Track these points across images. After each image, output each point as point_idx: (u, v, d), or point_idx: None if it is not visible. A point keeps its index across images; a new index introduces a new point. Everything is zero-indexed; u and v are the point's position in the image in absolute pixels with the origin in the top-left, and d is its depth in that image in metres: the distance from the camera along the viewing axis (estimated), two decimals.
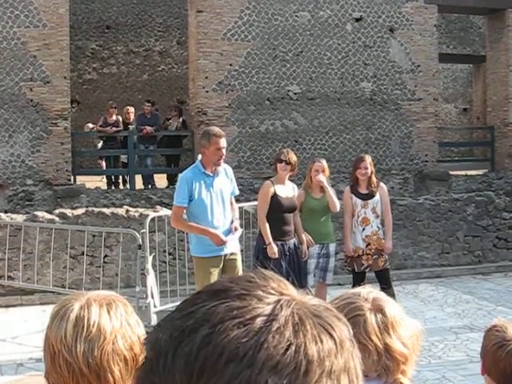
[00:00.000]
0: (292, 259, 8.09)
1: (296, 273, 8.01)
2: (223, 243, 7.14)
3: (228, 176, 7.47)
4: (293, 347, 0.81)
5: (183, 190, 7.20)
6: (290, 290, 0.89)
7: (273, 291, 0.87)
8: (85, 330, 1.62)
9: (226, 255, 7.39)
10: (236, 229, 7.37)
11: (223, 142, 7.14)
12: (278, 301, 0.85)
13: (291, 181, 8.54)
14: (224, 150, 7.16)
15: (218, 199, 7.29)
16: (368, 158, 8.77)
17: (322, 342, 0.83)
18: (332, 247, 8.66)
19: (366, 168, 8.60)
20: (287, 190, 8.20)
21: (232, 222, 7.40)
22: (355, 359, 0.87)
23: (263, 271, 0.91)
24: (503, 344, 2.41)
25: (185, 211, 7.35)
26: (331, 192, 8.52)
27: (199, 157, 7.43)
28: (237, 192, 7.66)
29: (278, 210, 7.99)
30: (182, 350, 0.81)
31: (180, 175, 7.62)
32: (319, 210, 8.54)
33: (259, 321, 0.82)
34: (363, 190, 8.67)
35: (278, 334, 0.81)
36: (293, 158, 8.23)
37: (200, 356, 0.80)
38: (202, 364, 0.79)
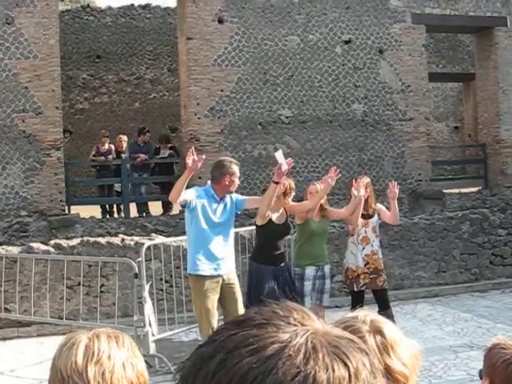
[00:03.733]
0: (286, 283, 8.13)
1: (291, 296, 8.04)
2: (197, 162, 7.13)
3: (233, 203, 7.66)
4: (302, 374, 0.82)
5: (192, 191, 7.46)
6: (313, 321, 0.92)
7: (293, 321, 0.89)
8: (95, 355, 1.63)
9: (223, 280, 7.53)
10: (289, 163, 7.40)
11: (237, 173, 7.56)
12: (296, 330, 0.88)
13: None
14: (237, 180, 7.55)
15: (219, 223, 7.49)
16: (365, 179, 8.76)
17: (333, 370, 0.84)
18: (327, 269, 8.65)
19: (366, 188, 8.62)
20: (282, 216, 8.25)
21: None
22: None
23: (289, 303, 0.94)
24: None
25: (188, 217, 7.52)
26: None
27: (209, 182, 7.68)
28: (246, 197, 7.97)
29: (271, 236, 8.03)
30: (200, 374, 0.86)
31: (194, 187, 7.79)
32: (318, 233, 8.55)
33: (272, 348, 0.84)
34: (362, 211, 8.69)
35: (289, 360, 0.83)
36: (292, 184, 8.33)
37: (214, 380, 0.84)
38: None
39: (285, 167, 7.32)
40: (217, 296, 7.56)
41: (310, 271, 8.46)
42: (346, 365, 0.85)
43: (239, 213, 8.09)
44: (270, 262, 8.01)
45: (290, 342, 0.85)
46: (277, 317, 0.90)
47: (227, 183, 7.43)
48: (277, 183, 7.39)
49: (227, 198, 7.60)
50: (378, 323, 1.85)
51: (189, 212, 7.48)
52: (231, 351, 0.85)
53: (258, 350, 0.84)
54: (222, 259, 7.52)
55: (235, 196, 7.74)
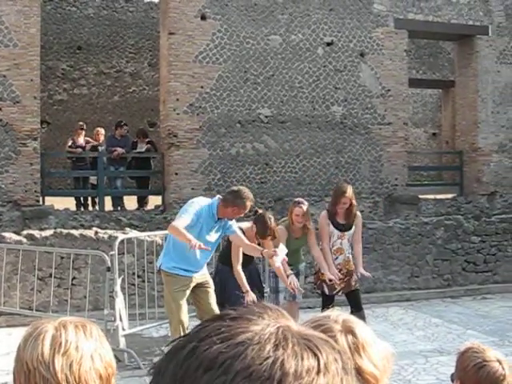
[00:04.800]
0: (254, 284, 8.27)
1: (259, 296, 8.21)
2: (199, 247, 7.06)
3: (225, 224, 7.61)
4: (270, 359, 0.83)
5: (191, 213, 7.28)
6: (288, 320, 0.93)
7: (267, 317, 0.91)
8: (62, 346, 1.59)
9: (197, 280, 7.68)
10: (275, 251, 7.53)
11: (248, 209, 7.52)
12: (268, 323, 0.89)
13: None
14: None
15: (212, 239, 7.52)
16: (349, 191, 8.66)
17: (302, 358, 0.85)
18: (301, 266, 8.88)
19: (346, 203, 8.58)
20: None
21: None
22: None
23: (266, 303, 0.97)
24: (484, 364, 2.43)
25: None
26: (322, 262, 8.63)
27: (217, 197, 7.57)
28: (237, 230, 7.77)
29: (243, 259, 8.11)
30: (171, 364, 0.88)
31: (196, 200, 7.61)
32: (296, 249, 8.71)
33: (243, 336, 0.86)
34: (341, 220, 8.66)
35: (258, 347, 0.84)
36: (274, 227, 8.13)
37: (183, 367, 0.85)
38: (183, 373, 0.85)
39: (278, 263, 7.48)
40: (188, 292, 7.59)
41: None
42: (315, 355, 0.86)
43: None
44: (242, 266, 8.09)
45: (262, 332, 0.87)
46: (251, 312, 0.92)
47: (232, 213, 7.39)
48: (262, 255, 7.63)
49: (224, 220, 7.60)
50: (350, 323, 1.83)
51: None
52: (202, 339, 0.87)
53: (228, 337, 0.86)
54: (198, 269, 7.66)
55: (233, 222, 7.74)
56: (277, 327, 0.88)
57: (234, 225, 7.75)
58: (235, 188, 7.80)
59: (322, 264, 8.51)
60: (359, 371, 1.79)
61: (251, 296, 7.87)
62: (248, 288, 7.94)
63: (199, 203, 7.48)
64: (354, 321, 1.86)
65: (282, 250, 7.56)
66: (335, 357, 0.89)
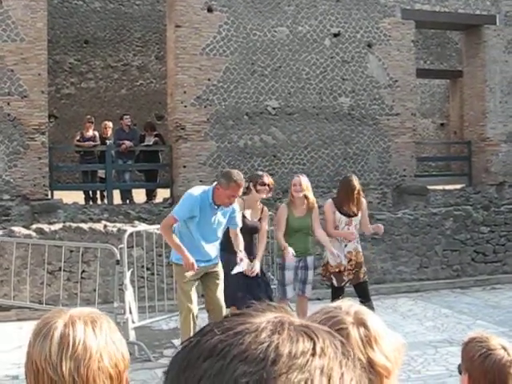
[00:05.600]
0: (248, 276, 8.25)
1: (259, 283, 8.28)
2: (192, 268, 7.30)
3: (230, 212, 7.59)
4: (266, 344, 0.87)
5: (185, 206, 7.37)
6: (291, 315, 0.95)
7: (269, 313, 0.94)
8: (70, 347, 1.58)
9: (206, 269, 7.67)
10: (241, 259, 7.56)
11: (237, 192, 7.32)
12: (269, 317, 0.92)
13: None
14: (233, 199, 7.37)
15: (212, 230, 7.52)
16: (357, 184, 8.73)
17: (297, 342, 0.87)
18: (310, 260, 8.69)
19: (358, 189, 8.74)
20: (255, 213, 8.40)
21: (239, 251, 7.65)
22: (344, 369, 0.89)
23: (273, 303, 1.00)
24: (489, 354, 2.42)
25: (179, 222, 7.53)
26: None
27: (214, 184, 7.53)
28: (239, 225, 7.79)
29: (242, 231, 8.10)
30: (178, 358, 0.92)
31: (190, 192, 7.61)
32: (299, 229, 8.57)
33: (242, 327, 0.90)
34: (347, 209, 8.69)
35: (255, 334, 0.88)
36: (271, 181, 8.47)
37: (187, 358, 0.90)
38: (186, 364, 0.89)
39: (234, 271, 7.57)
40: (196, 283, 7.63)
41: (289, 262, 8.47)
42: (311, 339, 0.89)
43: None
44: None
45: (261, 322, 0.90)
46: (254, 309, 0.96)
47: (226, 196, 7.27)
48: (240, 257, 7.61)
49: (225, 208, 7.54)
50: (362, 315, 1.82)
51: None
52: (206, 333, 0.91)
53: (229, 329, 0.90)
54: (207, 259, 7.61)
55: (235, 208, 7.66)
56: (275, 317, 0.92)
57: (238, 220, 7.76)
58: (225, 171, 7.87)
59: (326, 243, 8.51)
60: (371, 364, 1.78)
61: (245, 262, 7.85)
62: (242, 256, 7.91)
63: (193, 194, 7.48)
64: (366, 312, 1.84)
65: (245, 263, 7.61)
66: (334, 343, 0.90)
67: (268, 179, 8.37)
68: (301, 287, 8.62)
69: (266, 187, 8.29)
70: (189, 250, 7.35)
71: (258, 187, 8.27)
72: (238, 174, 7.36)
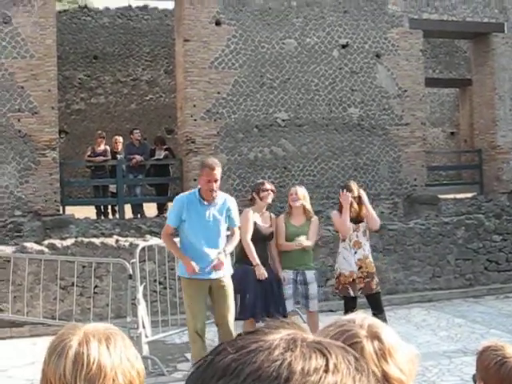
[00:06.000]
0: (270, 284, 8.21)
1: (275, 297, 8.27)
2: (195, 272, 7.27)
3: (226, 208, 7.53)
4: (279, 361, 0.86)
5: (174, 211, 7.50)
6: (304, 332, 0.96)
7: (283, 330, 0.94)
8: (85, 367, 1.58)
9: (213, 283, 7.53)
10: (219, 263, 7.41)
11: (214, 175, 7.27)
12: (282, 334, 0.93)
13: (268, 209, 8.73)
14: (214, 183, 7.29)
15: (207, 228, 7.41)
16: (354, 188, 8.76)
17: (310, 358, 0.87)
18: (309, 274, 8.52)
19: (353, 193, 8.66)
20: (265, 219, 8.42)
21: (220, 252, 7.47)
22: None
23: (285, 320, 1.00)
24: (505, 361, 2.41)
25: (180, 233, 7.58)
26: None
27: None
28: (237, 223, 7.73)
29: (256, 238, 8.10)
30: (192, 377, 0.93)
31: (176, 197, 7.75)
32: (294, 238, 8.50)
33: (255, 345, 0.90)
34: (351, 214, 8.66)
35: (268, 352, 0.88)
36: (273, 187, 8.62)
37: (201, 378, 0.90)
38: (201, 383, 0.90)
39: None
40: (203, 298, 7.54)
41: (287, 275, 8.45)
42: (324, 355, 0.89)
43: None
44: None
45: (274, 339, 0.90)
46: (267, 326, 0.96)
47: (204, 182, 7.32)
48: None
49: (219, 201, 7.50)
50: (376, 328, 1.81)
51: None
52: (219, 352, 0.91)
53: (242, 347, 0.90)
54: (209, 266, 7.44)
55: (232, 206, 7.62)
56: (288, 334, 0.92)
57: (236, 217, 7.68)
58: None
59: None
60: (386, 377, 1.78)
61: (260, 269, 7.96)
62: (258, 261, 8.01)
63: (178, 197, 7.63)
64: (380, 325, 1.84)
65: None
66: (347, 358, 0.90)
67: (269, 185, 8.51)
68: (304, 302, 8.56)
69: (269, 192, 8.34)
70: (193, 259, 7.32)
71: (261, 194, 8.34)
72: (211, 159, 7.57)
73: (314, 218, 8.69)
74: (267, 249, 8.44)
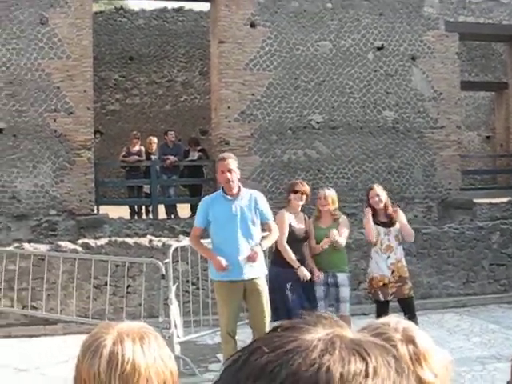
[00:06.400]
0: (306, 286, 8.19)
1: (310, 298, 8.22)
2: (223, 269, 7.19)
3: (253, 202, 7.45)
4: (316, 365, 0.84)
5: (200, 212, 7.50)
6: (343, 328, 0.93)
7: (320, 326, 0.92)
8: (119, 366, 1.59)
9: (247, 286, 7.41)
10: (254, 254, 7.28)
11: (226, 165, 7.28)
12: (319, 332, 0.90)
13: (303, 211, 8.65)
14: (229, 174, 7.28)
15: (236, 223, 7.31)
16: (377, 187, 8.70)
17: (349, 363, 0.85)
18: (342, 276, 8.44)
19: (378, 195, 8.55)
20: (300, 220, 8.33)
21: (258, 244, 7.39)
22: None
23: (323, 313, 0.98)
24: None
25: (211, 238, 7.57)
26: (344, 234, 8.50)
27: None
28: (269, 219, 7.60)
29: (291, 240, 8.07)
30: (226, 375, 0.91)
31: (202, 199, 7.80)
32: (322, 240, 8.44)
33: (292, 344, 0.87)
34: (382, 219, 8.59)
35: (305, 353, 0.85)
36: (307, 188, 8.46)
37: (236, 377, 0.88)
38: None
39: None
40: (237, 302, 7.46)
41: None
42: (364, 359, 0.86)
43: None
44: (289, 265, 8.05)
45: (311, 339, 0.88)
46: (304, 322, 0.93)
47: (221, 176, 7.37)
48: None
49: (245, 196, 7.44)
50: (411, 332, 1.80)
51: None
52: (254, 351, 0.89)
53: (278, 347, 0.87)
54: (243, 263, 7.32)
55: (260, 200, 7.54)
56: (326, 333, 0.89)
57: (267, 212, 7.56)
58: None
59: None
60: (420, 382, 1.76)
61: (303, 271, 7.96)
62: (298, 263, 7.98)
63: (203, 199, 7.70)
64: (414, 329, 1.82)
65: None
66: (387, 360, 0.88)
67: (301, 186, 8.36)
68: (336, 305, 8.51)
69: (299, 194, 8.28)
70: (224, 257, 7.23)
71: (291, 195, 8.31)
72: (225, 153, 7.76)
73: (343, 218, 8.62)
74: (303, 250, 8.36)
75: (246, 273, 7.34)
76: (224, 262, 7.17)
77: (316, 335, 0.88)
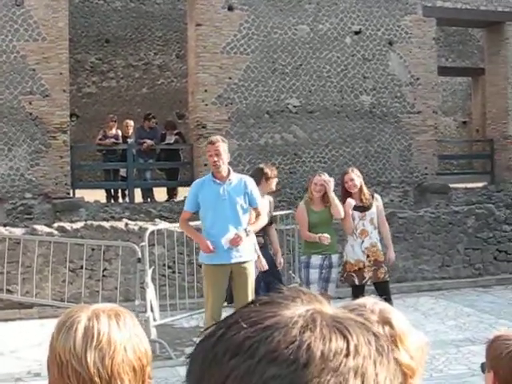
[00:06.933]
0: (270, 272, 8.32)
1: (271, 280, 8.34)
2: (210, 251, 7.21)
3: (243, 187, 7.43)
4: (296, 343, 0.82)
5: (190, 196, 7.53)
6: (323, 304, 0.91)
7: (299, 302, 0.89)
8: (95, 339, 1.57)
9: (234, 269, 7.42)
10: (237, 238, 7.25)
11: (214, 148, 7.28)
12: (299, 307, 0.87)
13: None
14: (217, 157, 7.26)
15: (224, 207, 7.30)
16: (352, 171, 8.69)
17: (330, 340, 0.83)
18: (335, 258, 8.55)
19: (352, 179, 8.53)
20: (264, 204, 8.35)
21: (244, 230, 7.37)
22: (378, 369, 0.85)
23: (301, 288, 0.95)
24: None
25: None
26: (336, 199, 8.45)
27: None
28: (258, 204, 7.56)
29: None
30: (201, 351, 0.88)
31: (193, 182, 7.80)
32: (319, 224, 8.48)
33: (271, 320, 0.85)
34: (358, 203, 8.59)
35: (285, 330, 0.83)
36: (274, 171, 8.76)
37: (211, 353, 0.86)
38: (211, 359, 0.85)
39: (225, 245, 7.28)
40: (223, 285, 7.46)
41: (315, 259, 8.42)
42: (345, 337, 0.84)
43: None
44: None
45: (290, 315, 0.85)
46: (283, 297, 0.90)
47: (209, 158, 7.40)
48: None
49: (234, 181, 7.42)
50: (387, 313, 1.80)
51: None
52: (231, 325, 0.87)
53: (256, 322, 0.85)
54: (226, 247, 7.31)
55: (250, 185, 7.50)
56: (306, 310, 0.87)
57: (257, 198, 7.53)
58: None
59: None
60: (396, 363, 1.76)
61: (262, 261, 8.08)
62: (258, 253, 8.06)
63: (194, 183, 7.74)
64: (391, 310, 1.82)
65: (232, 233, 7.30)
66: (368, 339, 0.86)
67: (268, 168, 8.73)
68: (323, 285, 8.53)
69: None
70: (213, 242, 7.24)
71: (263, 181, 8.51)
72: (215, 136, 7.84)
73: (336, 202, 8.66)
74: (269, 233, 8.68)
75: (233, 257, 7.35)
76: (210, 245, 7.20)
77: (296, 311, 0.86)
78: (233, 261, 7.35)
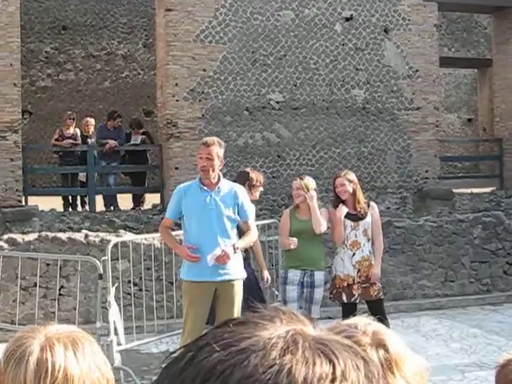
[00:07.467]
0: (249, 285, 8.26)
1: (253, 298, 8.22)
2: (193, 259, 7.16)
3: (233, 197, 7.39)
4: (276, 367, 0.81)
5: (172, 202, 7.48)
6: (304, 324, 0.91)
7: (278, 322, 0.89)
8: (49, 375, 1.54)
9: (219, 288, 7.34)
10: (224, 256, 7.14)
11: (206, 151, 7.21)
12: (278, 328, 0.87)
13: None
14: (207, 161, 7.20)
15: (211, 217, 7.26)
16: (345, 175, 8.65)
17: (314, 364, 0.82)
18: (318, 275, 8.49)
19: (343, 185, 8.52)
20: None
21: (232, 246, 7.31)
22: None
23: (281, 307, 0.94)
24: None
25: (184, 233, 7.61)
26: (317, 210, 8.43)
27: None
28: (249, 217, 7.52)
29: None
30: (168, 376, 0.87)
31: (178, 186, 7.75)
32: (302, 233, 8.46)
33: (246, 342, 0.84)
34: (351, 211, 8.59)
35: (263, 353, 0.82)
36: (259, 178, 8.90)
37: (180, 378, 0.84)
38: None
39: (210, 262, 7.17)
40: (206, 305, 7.38)
41: (292, 275, 8.40)
42: (330, 361, 0.83)
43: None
44: None
45: (269, 336, 0.84)
46: (260, 316, 0.90)
47: (199, 161, 7.31)
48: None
49: (224, 189, 7.36)
50: (382, 335, 1.78)
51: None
52: (201, 348, 0.86)
53: (230, 344, 0.84)
54: (217, 272, 7.25)
55: (241, 196, 7.45)
56: (286, 330, 0.86)
57: (249, 211, 7.51)
58: None
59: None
60: None
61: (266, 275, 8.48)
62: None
63: (177, 188, 7.61)
64: (385, 332, 1.81)
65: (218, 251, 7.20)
66: (356, 363, 0.86)
67: (253, 173, 8.89)
68: (306, 307, 8.52)
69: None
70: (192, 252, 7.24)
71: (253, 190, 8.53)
72: (211, 137, 7.79)
73: (322, 210, 8.65)
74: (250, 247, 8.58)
75: (220, 274, 7.28)
76: (190, 254, 7.16)
77: (274, 332, 0.85)
78: (219, 279, 7.27)
